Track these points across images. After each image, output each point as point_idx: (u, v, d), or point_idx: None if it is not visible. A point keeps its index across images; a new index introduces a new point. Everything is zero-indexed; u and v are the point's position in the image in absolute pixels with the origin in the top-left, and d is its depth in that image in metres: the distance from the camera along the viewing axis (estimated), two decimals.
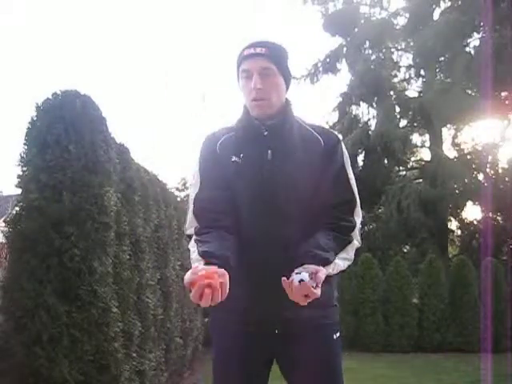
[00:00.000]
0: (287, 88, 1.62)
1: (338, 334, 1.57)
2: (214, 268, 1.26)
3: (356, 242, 1.52)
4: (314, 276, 1.28)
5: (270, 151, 1.54)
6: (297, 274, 1.28)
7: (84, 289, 2.45)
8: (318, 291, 1.28)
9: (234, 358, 1.53)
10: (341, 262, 1.45)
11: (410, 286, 7.76)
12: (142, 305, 3.27)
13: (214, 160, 1.58)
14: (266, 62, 1.54)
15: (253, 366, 1.54)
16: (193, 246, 1.45)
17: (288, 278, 1.31)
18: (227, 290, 1.23)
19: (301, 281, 1.26)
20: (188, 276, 1.24)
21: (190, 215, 1.56)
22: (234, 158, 1.54)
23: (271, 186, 1.50)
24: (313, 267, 1.31)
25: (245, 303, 1.49)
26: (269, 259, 1.46)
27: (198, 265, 1.32)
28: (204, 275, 1.22)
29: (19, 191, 2.58)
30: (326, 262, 1.37)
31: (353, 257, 1.50)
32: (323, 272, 1.32)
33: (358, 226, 1.54)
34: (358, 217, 1.55)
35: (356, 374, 5.17)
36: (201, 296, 1.20)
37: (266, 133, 1.55)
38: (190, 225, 1.54)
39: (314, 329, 1.51)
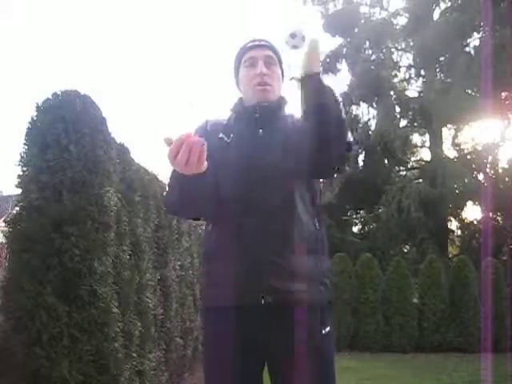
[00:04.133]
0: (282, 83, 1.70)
1: (327, 329, 1.53)
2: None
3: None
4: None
5: (260, 130, 1.57)
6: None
7: (84, 289, 2.45)
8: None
9: (224, 336, 1.50)
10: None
11: (410, 286, 7.77)
12: (142, 305, 3.27)
13: (202, 136, 1.60)
14: (270, 52, 1.63)
15: (244, 345, 1.48)
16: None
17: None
18: (206, 149, 1.28)
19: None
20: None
21: (168, 188, 1.58)
22: (220, 135, 1.58)
23: (261, 160, 1.52)
24: None
25: (232, 275, 1.48)
26: (256, 230, 1.46)
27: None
28: (187, 134, 1.26)
29: (19, 191, 2.58)
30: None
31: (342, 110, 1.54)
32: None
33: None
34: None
35: (356, 374, 5.18)
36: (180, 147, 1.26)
37: (257, 114, 1.59)
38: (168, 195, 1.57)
39: (301, 310, 1.47)
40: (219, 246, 1.53)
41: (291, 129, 1.59)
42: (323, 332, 1.52)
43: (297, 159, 1.51)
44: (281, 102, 1.65)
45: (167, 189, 1.55)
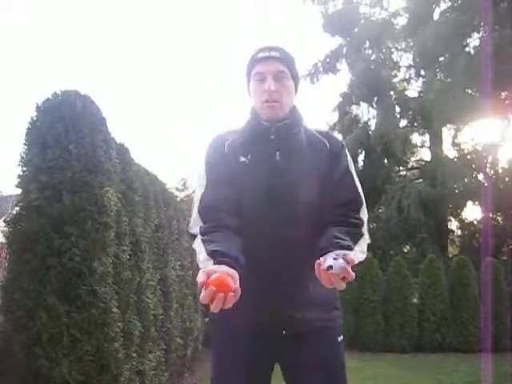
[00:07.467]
0: (296, 91, 1.65)
1: (341, 337, 1.59)
2: (226, 270, 1.24)
3: (367, 237, 1.52)
4: (346, 258, 1.25)
5: (278, 152, 1.55)
6: (334, 259, 1.25)
7: (84, 289, 2.44)
8: (352, 273, 1.26)
9: (238, 358, 1.52)
10: (358, 254, 1.43)
11: (410, 286, 7.76)
12: (142, 305, 3.27)
13: (221, 160, 1.58)
14: (281, 65, 1.57)
15: (257, 367, 1.53)
16: (199, 246, 1.44)
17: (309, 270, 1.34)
18: (239, 294, 1.22)
19: (329, 267, 1.24)
20: (201, 276, 1.22)
21: (194, 214, 1.54)
22: (242, 159, 1.55)
23: (279, 187, 1.51)
24: (341, 251, 1.28)
25: (252, 303, 1.46)
26: (275, 258, 1.46)
27: (210, 265, 1.30)
28: (218, 279, 1.20)
29: (19, 191, 2.58)
30: (349, 248, 1.35)
31: (366, 251, 1.49)
32: (352, 254, 1.29)
33: (366, 223, 1.54)
34: (365, 216, 1.55)
35: (356, 374, 5.17)
36: (212, 299, 1.18)
37: (273, 135, 1.56)
38: (195, 224, 1.53)
39: (319, 331, 1.51)
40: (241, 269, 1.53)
41: (307, 154, 1.57)
42: (339, 340, 1.58)
43: (311, 192, 1.52)
44: (294, 118, 1.61)
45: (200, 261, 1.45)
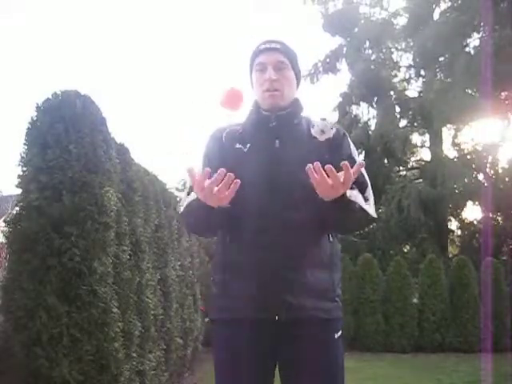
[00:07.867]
0: (297, 85, 1.68)
1: (339, 334, 1.56)
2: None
3: (372, 204, 1.54)
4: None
5: (277, 140, 1.57)
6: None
7: (84, 289, 2.45)
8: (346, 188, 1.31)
9: (238, 359, 1.51)
10: (361, 200, 1.45)
11: (410, 286, 7.77)
12: (142, 305, 3.27)
13: (218, 147, 1.61)
14: (281, 56, 1.61)
15: (257, 367, 1.52)
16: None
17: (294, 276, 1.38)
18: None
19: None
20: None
21: (184, 195, 1.57)
22: (237, 145, 1.58)
23: (278, 174, 1.51)
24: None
25: (247, 289, 1.48)
26: (272, 243, 1.46)
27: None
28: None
29: (19, 191, 2.58)
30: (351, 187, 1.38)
31: (370, 212, 1.52)
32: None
33: (372, 202, 1.55)
34: (370, 196, 1.56)
35: (356, 374, 5.17)
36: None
37: (273, 123, 1.58)
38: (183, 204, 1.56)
39: (316, 323, 1.49)
40: (235, 258, 1.52)
41: (307, 142, 1.58)
42: (335, 337, 1.55)
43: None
44: (295, 108, 1.63)
45: (184, 208, 1.54)
